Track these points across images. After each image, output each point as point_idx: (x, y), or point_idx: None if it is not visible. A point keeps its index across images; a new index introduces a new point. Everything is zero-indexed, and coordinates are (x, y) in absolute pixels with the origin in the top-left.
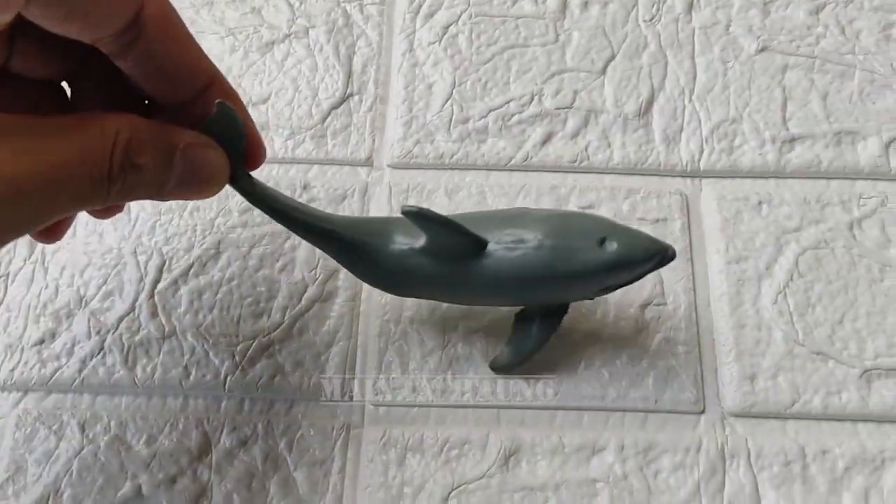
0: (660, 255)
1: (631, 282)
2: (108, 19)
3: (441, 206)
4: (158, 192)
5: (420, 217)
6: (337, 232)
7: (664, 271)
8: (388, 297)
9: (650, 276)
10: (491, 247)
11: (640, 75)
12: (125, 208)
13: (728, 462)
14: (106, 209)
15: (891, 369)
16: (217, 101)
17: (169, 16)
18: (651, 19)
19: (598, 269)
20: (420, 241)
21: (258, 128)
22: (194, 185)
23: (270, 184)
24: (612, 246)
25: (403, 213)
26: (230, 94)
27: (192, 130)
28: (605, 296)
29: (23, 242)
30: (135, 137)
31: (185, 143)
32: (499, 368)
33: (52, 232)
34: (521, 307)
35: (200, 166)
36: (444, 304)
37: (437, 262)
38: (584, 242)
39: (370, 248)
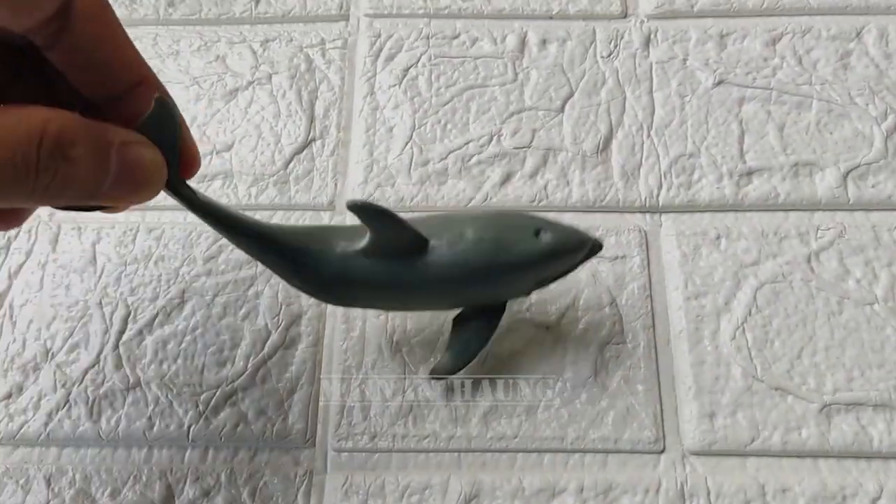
0: (589, 245)
1: (564, 273)
2: (35, 5)
3: None
4: (94, 191)
5: (365, 210)
6: (277, 238)
7: (624, 309)
8: (350, 341)
9: (609, 315)
10: (433, 243)
11: (599, 112)
12: (91, 257)
13: (688, 501)
14: (9, 214)
15: (850, 403)
16: (155, 96)
17: (100, 8)
18: (609, 55)
19: (536, 258)
20: (361, 243)
21: (222, 175)
22: (131, 185)
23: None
24: (546, 237)
25: (349, 207)
26: (164, 93)
27: (126, 129)
28: (561, 332)
29: None
30: (66, 129)
31: (119, 141)
32: (440, 371)
33: (6, 218)
34: (458, 311)
35: (137, 165)
36: (405, 347)
37: (379, 263)
38: (521, 235)
39: (311, 254)
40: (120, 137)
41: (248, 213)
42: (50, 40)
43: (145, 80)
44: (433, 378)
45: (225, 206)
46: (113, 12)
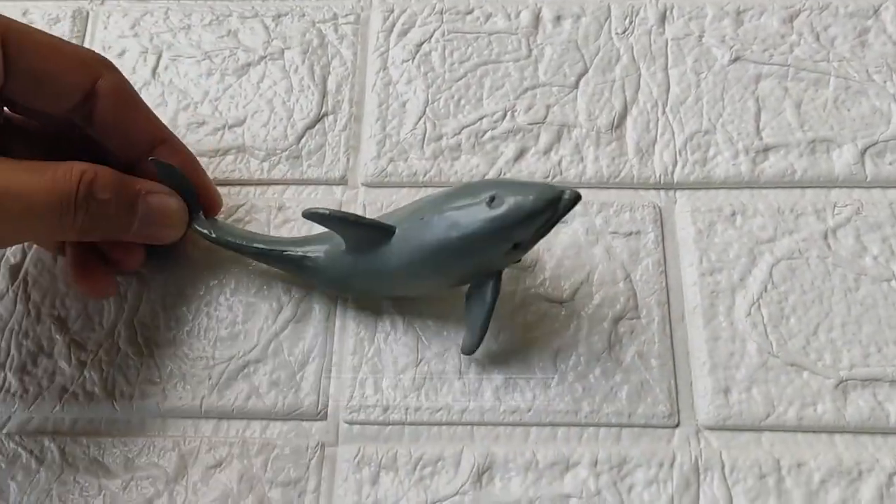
0: (554, 202)
1: (539, 236)
2: (64, 98)
3: None
4: (125, 230)
5: (320, 217)
6: (284, 252)
7: (638, 284)
8: (363, 315)
9: (623, 291)
10: (399, 230)
11: (613, 88)
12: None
13: (702, 476)
14: (100, 283)
15: (866, 379)
16: (150, 158)
17: (121, 87)
18: (624, 32)
19: (489, 227)
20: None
21: (234, 150)
22: (156, 227)
23: (247, 206)
24: (500, 202)
25: (304, 216)
26: (179, 150)
27: (152, 181)
28: (575, 306)
29: (5, 270)
30: (99, 176)
31: (146, 190)
32: (465, 351)
33: (97, 285)
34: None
35: (160, 210)
36: (418, 321)
37: (360, 257)
38: (473, 204)
39: (312, 260)
40: (147, 187)
41: (262, 188)
42: (84, 118)
43: (166, 140)
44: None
45: (241, 232)
46: (133, 88)
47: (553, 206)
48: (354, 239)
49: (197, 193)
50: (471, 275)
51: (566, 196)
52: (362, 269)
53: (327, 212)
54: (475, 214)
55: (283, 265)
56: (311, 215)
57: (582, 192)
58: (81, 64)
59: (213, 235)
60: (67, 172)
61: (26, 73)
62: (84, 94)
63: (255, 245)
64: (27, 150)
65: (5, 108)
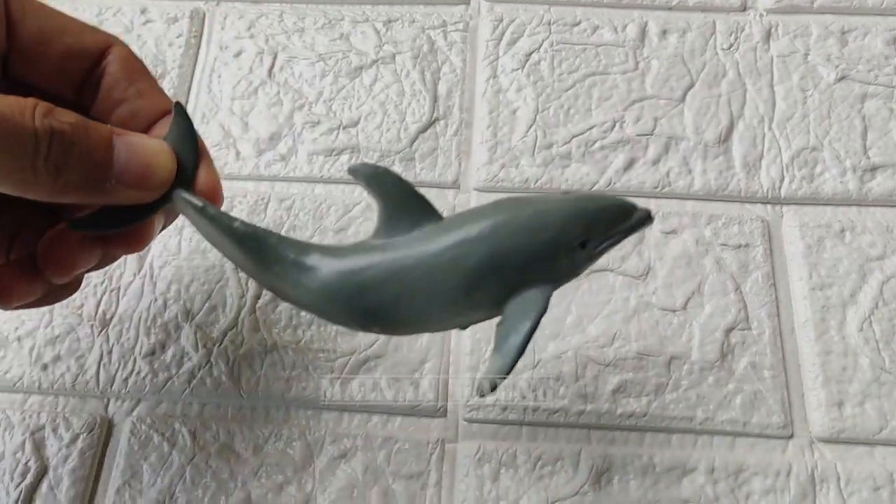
0: (630, 210)
1: (607, 241)
2: (78, 55)
3: None
4: (103, 174)
5: (371, 171)
6: (280, 244)
7: (748, 296)
8: None
9: (734, 302)
10: (446, 220)
11: (720, 103)
12: None
13: (818, 487)
14: (132, 238)
15: None
16: (175, 102)
17: (131, 55)
18: (729, 48)
19: (562, 207)
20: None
21: (349, 150)
22: (141, 167)
23: (362, 205)
24: (576, 194)
25: (349, 171)
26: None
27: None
28: (687, 316)
29: (132, 259)
30: (56, 106)
31: (118, 131)
32: (494, 375)
33: (130, 240)
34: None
35: (142, 147)
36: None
37: (375, 260)
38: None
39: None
40: (119, 129)
41: None
42: (90, 86)
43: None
44: (481, 395)
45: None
46: (140, 61)
47: (628, 212)
48: (396, 207)
49: (195, 175)
50: (525, 278)
51: (642, 210)
52: (376, 275)
53: (379, 168)
54: (549, 201)
55: (274, 263)
56: (360, 166)
57: (690, 203)
58: (92, 29)
59: (201, 205)
60: (20, 98)
61: (34, 33)
62: (96, 57)
63: (245, 226)
64: None
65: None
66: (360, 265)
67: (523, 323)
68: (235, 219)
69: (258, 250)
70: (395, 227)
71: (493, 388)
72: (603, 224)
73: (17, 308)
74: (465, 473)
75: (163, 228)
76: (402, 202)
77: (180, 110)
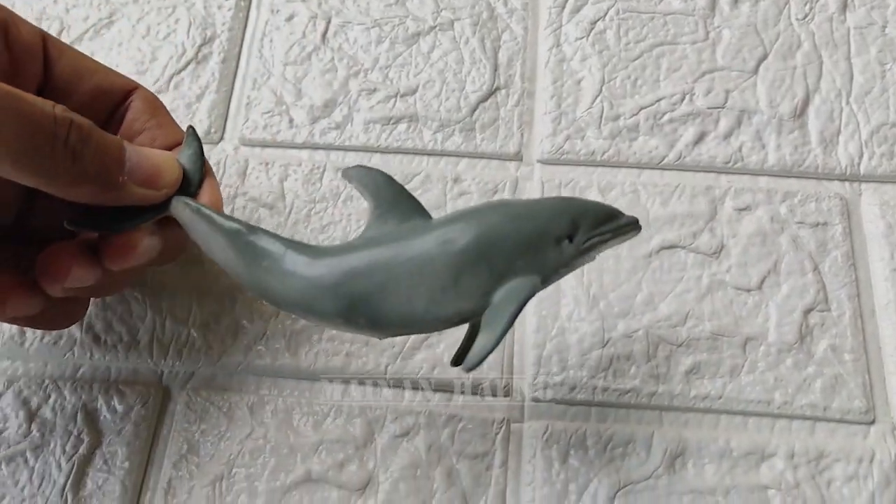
0: (618, 213)
1: (593, 238)
2: (109, 91)
3: None
4: (117, 169)
5: (363, 172)
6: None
7: (827, 276)
8: (545, 293)
9: (812, 282)
10: (434, 220)
11: (795, 75)
12: (280, 193)
13: None
14: (122, 250)
15: None
16: (188, 126)
17: (154, 96)
18: (804, 18)
19: (551, 202)
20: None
21: (406, 119)
22: (149, 169)
23: (421, 176)
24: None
25: (344, 175)
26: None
27: None
28: (763, 296)
29: None
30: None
31: (125, 141)
32: (470, 357)
33: (121, 251)
34: None
35: (151, 155)
36: (603, 300)
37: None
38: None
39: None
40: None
41: (435, 159)
42: (115, 120)
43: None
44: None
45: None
46: (158, 101)
47: (614, 214)
48: (386, 206)
49: (199, 191)
50: (512, 267)
51: (628, 217)
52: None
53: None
54: (538, 199)
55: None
56: (353, 169)
57: (764, 179)
58: (120, 74)
59: (196, 206)
60: (37, 99)
61: (68, 71)
62: (122, 96)
63: (237, 222)
64: None
65: None
66: (347, 255)
67: (507, 307)
68: (229, 217)
69: (249, 245)
70: (384, 226)
71: (473, 366)
72: (589, 220)
73: (13, 321)
74: (532, 454)
75: (163, 261)
76: (392, 202)
77: (192, 132)
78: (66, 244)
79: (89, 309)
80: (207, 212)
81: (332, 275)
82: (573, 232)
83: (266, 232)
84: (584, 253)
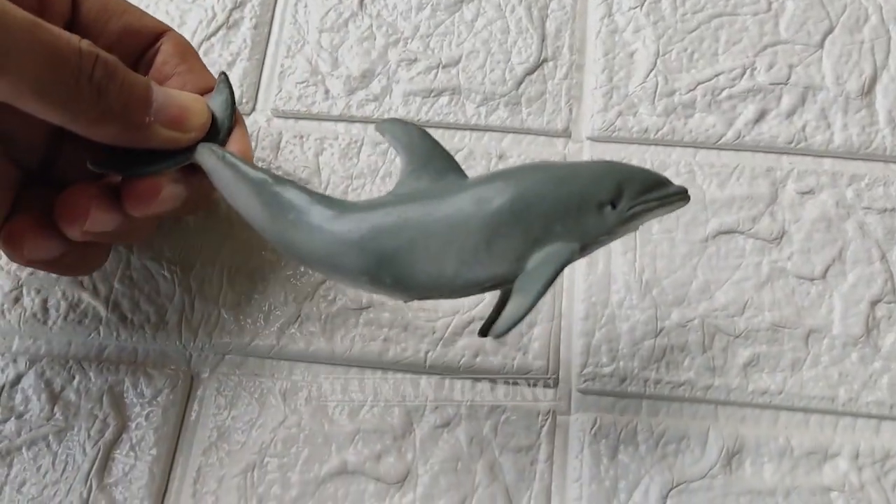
0: (666, 182)
1: (638, 207)
2: (139, 32)
3: None
4: (143, 108)
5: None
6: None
7: (894, 268)
8: (594, 276)
9: (879, 271)
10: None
11: (862, 51)
12: (316, 168)
13: None
14: (144, 194)
15: None
16: (221, 72)
17: (185, 40)
18: None
19: (595, 165)
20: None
21: (449, 91)
22: (177, 109)
23: (465, 151)
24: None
25: (377, 129)
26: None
27: None
28: (827, 285)
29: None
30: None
31: (153, 80)
32: (501, 326)
33: (143, 196)
34: None
35: (178, 97)
36: (656, 287)
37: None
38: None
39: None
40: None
41: (479, 134)
42: (145, 63)
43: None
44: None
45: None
46: (189, 46)
47: (662, 182)
48: (421, 161)
49: (227, 139)
50: (549, 231)
51: (678, 186)
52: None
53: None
54: (583, 161)
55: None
56: (387, 122)
57: (828, 161)
58: (151, 16)
59: (222, 153)
60: (64, 32)
61: (97, 8)
62: (152, 38)
63: (264, 172)
64: None
65: None
66: (377, 210)
67: (542, 273)
68: (256, 166)
69: (275, 196)
70: (417, 182)
71: (501, 333)
72: (636, 186)
73: (32, 264)
74: (579, 449)
75: (186, 213)
76: (427, 158)
77: (225, 79)
78: (87, 186)
79: (115, 286)
80: (234, 160)
81: (360, 230)
82: (617, 198)
83: (293, 184)
84: (627, 221)
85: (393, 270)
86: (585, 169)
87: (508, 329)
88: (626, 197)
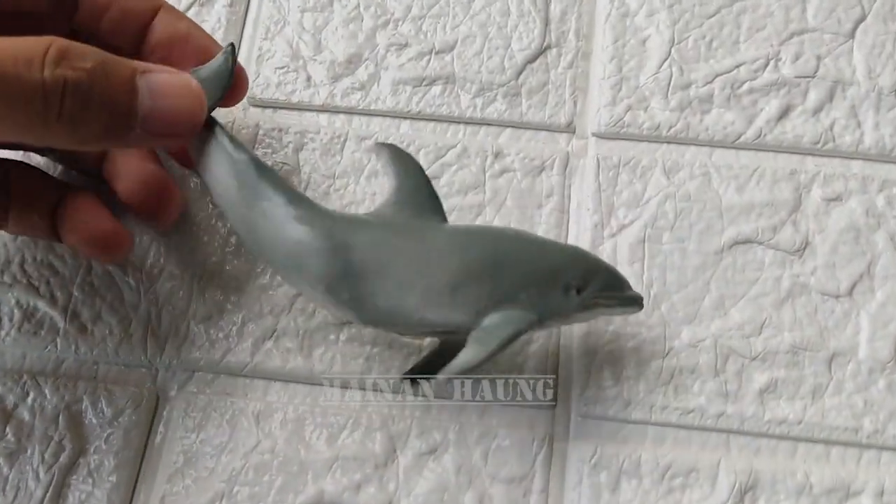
0: (625, 283)
1: (596, 300)
2: (134, 13)
3: (659, 186)
4: (127, 120)
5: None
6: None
7: None
8: None
9: None
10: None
11: None
12: (295, 165)
13: None
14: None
15: None
16: (230, 43)
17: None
18: None
19: (563, 247)
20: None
21: (442, 80)
22: (166, 116)
23: (458, 148)
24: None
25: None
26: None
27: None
28: (853, 303)
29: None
30: (74, 45)
31: (143, 68)
32: (452, 370)
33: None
34: None
35: (169, 92)
36: (665, 303)
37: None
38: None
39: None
40: (143, 66)
41: (474, 128)
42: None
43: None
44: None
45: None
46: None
47: (624, 283)
48: (408, 193)
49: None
50: (514, 296)
51: (635, 292)
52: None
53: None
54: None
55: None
56: (386, 145)
57: (858, 164)
58: None
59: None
60: (28, 41)
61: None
62: (150, 15)
63: (249, 153)
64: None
65: None
66: (355, 223)
67: (500, 332)
68: (240, 144)
69: (253, 181)
70: (399, 213)
71: (449, 377)
72: (601, 279)
73: (86, 241)
74: (577, 480)
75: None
76: (415, 193)
77: (231, 50)
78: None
79: (74, 294)
80: (220, 133)
81: (334, 237)
82: (584, 285)
83: (275, 173)
84: (584, 310)
85: (355, 286)
86: (560, 250)
87: (457, 374)
88: (591, 287)
